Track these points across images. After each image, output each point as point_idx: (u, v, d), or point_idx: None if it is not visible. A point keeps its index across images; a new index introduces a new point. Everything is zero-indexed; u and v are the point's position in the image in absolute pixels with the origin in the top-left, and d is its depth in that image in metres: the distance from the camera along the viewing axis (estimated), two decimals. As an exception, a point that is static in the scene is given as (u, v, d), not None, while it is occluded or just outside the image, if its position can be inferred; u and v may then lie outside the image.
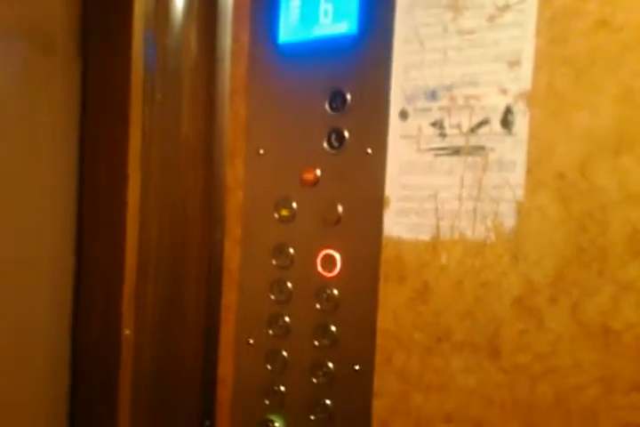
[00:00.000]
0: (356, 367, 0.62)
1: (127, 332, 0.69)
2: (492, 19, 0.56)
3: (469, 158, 0.57)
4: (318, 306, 0.65)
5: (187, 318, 0.74)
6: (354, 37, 0.64)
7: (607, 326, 0.49)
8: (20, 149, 0.70)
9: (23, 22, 0.70)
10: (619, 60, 0.49)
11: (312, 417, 0.65)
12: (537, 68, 0.53)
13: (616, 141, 0.49)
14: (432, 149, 0.59)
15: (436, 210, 0.59)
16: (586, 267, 0.50)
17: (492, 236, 0.55)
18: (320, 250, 0.65)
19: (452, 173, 0.58)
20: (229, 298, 0.72)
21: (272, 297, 0.68)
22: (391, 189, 0.61)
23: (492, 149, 0.56)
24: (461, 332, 0.56)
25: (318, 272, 0.65)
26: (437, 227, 0.58)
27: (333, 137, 0.65)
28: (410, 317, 0.59)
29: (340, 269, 0.64)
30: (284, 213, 0.68)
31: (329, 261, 0.64)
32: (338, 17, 0.65)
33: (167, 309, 0.73)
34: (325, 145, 0.65)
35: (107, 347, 0.70)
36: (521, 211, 0.54)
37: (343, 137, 0.64)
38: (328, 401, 0.64)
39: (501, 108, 0.55)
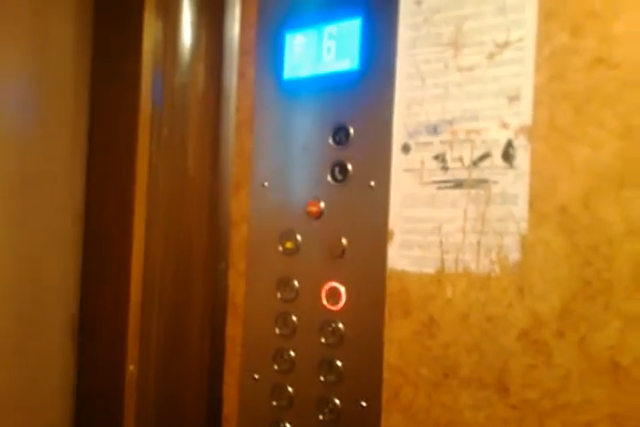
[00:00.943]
0: (363, 404, 0.61)
1: (131, 368, 0.69)
2: (491, 56, 0.57)
3: (472, 191, 0.57)
4: (323, 340, 0.65)
5: (191, 353, 0.74)
6: (356, 74, 0.65)
7: (615, 361, 0.48)
8: (28, 183, 0.71)
9: (35, 58, 0.72)
10: (617, 96, 0.50)
11: (318, 455, 0.64)
12: (537, 104, 0.54)
13: (618, 175, 0.50)
14: (435, 182, 0.60)
15: (440, 243, 0.59)
16: (592, 300, 0.50)
17: (497, 269, 0.55)
18: (325, 283, 0.65)
19: (455, 205, 0.58)
20: (234, 332, 0.72)
21: (277, 331, 0.68)
22: (395, 221, 0.61)
23: (495, 183, 0.56)
24: (469, 367, 0.55)
25: (323, 305, 0.65)
26: (442, 260, 0.58)
27: (337, 170, 0.66)
28: (416, 351, 0.58)
29: (345, 303, 0.63)
30: (289, 245, 0.68)
31: (334, 294, 0.64)
32: (340, 54, 0.67)
33: (171, 344, 0.73)
34: (329, 178, 0.66)
35: (111, 383, 0.70)
36: (525, 244, 0.54)
37: (347, 170, 0.65)
38: (334, 438, 0.63)
39: (502, 142, 0.56)
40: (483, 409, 0.54)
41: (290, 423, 0.66)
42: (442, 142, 0.60)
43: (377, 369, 0.60)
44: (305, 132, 0.69)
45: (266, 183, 0.71)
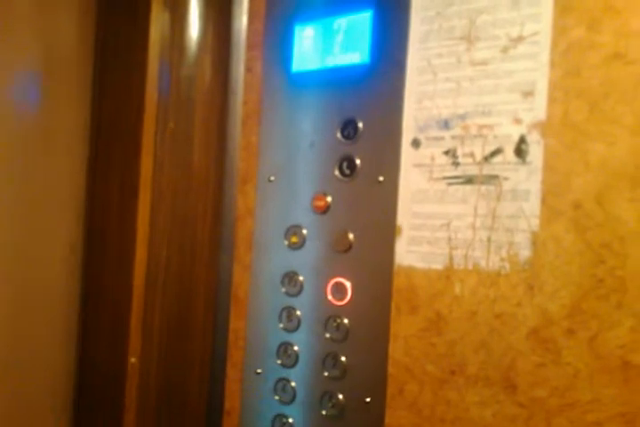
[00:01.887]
0: (367, 399, 0.61)
1: (133, 360, 0.68)
2: (505, 50, 0.56)
3: (483, 187, 0.57)
4: (328, 335, 0.64)
5: (194, 347, 0.73)
6: (366, 67, 0.65)
7: (626, 360, 0.48)
8: (33, 173, 0.71)
9: (39, 51, 0.72)
10: (633, 93, 0.49)
11: (320, 451, 0.63)
12: (551, 99, 0.53)
13: (633, 172, 0.49)
14: (445, 178, 0.59)
15: (449, 239, 0.58)
16: (604, 299, 0.49)
17: (507, 266, 0.54)
18: (330, 278, 0.64)
19: (465, 201, 0.57)
20: (238, 326, 0.71)
21: (281, 325, 0.67)
22: (403, 217, 0.61)
23: (506, 179, 0.55)
24: (476, 364, 0.55)
25: (328, 300, 0.64)
26: (450, 256, 0.58)
27: (345, 165, 0.65)
28: (422, 348, 0.58)
29: (351, 298, 0.63)
30: (295, 240, 0.67)
31: (339, 290, 0.64)
32: (350, 47, 0.66)
33: (174, 337, 0.72)
34: (337, 172, 0.65)
35: (112, 375, 0.69)
36: (536, 241, 0.53)
37: (355, 165, 0.64)
38: (337, 435, 0.62)
39: (515, 138, 0.55)
40: (489, 407, 0.54)
41: (292, 418, 0.66)
42: (453, 137, 0.59)
43: (382, 365, 0.60)
44: (313, 126, 0.68)
45: (272, 177, 0.70)
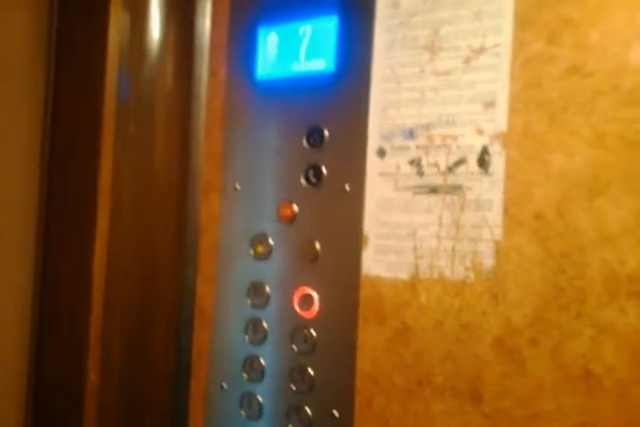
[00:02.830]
0: (335, 413, 0.60)
1: (92, 376, 0.66)
2: (467, 61, 0.57)
3: (447, 197, 0.57)
4: (295, 347, 0.63)
5: (156, 361, 0.71)
6: (331, 74, 0.64)
7: (588, 369, 0.49)
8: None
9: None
10: (591, 105, 0.50)
11: (288, 465, 0.62)
12: (512, 111, 0.54)
13: (591, 183, 0.50)
14: (410, 187, 0.59)
15: (415, 248, 0.58)
16: (565, 308, 0.50)
17: (472, 275, 0.55)
18: (297, 288, 0.63)
19: (430, 211, 0.58)
20: (202, 339, 0.69)
21: (247, 338, 0.66)
22: (370, 226, 0.61)
23: (470, 189, 0.56)
24: (442, 375, 0.55)
25: (295, 312, 0.63)
26: (416, 266, 0.58)
27: (311, 173, 0.64)
28: (389, 359, 0.58)
29: (319, 309, 0.62)
30: (260, 249, 0.66)
31: (306, 300, 0.63)
32: (316, 54, 0.65)
33: (135, 351, 0.70)
34: (303, 181, 0.65)
35: (70, 392, 0.66)
36: (499, 251, 0.53)
37: (321, 173, 0.64)
38: (305, 448, 0.62)
39: (478, 149, 0.56)
40: (456, 417, 0.54)
41: (259, 434, 0.65)
42: (418, 147, 0.59)
43: (349, 378, 0.59)
44: (278, 133, 0.67)
45: (237, 186, 0.69)
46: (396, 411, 0.57)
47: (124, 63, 0.72)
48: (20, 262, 0.71)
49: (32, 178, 0.72)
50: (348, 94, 0.63)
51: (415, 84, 0.59)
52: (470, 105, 0.56)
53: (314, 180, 0.64)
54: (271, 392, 0.64)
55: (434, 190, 0.58)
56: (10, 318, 0.69)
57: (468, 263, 0.55)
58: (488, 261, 0.54)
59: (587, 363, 0.49)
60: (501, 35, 0.55)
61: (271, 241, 0.66)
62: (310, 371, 0.62)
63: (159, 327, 0.72)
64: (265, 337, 0.65)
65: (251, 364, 0.65)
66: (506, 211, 0.53)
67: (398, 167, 0.60)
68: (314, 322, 0.62)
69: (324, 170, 0.64)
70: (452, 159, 0.57)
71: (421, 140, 0.59)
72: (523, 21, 0.54)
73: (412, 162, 0.59)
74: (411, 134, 0.59)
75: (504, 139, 0.54)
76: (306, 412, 0.62)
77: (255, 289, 0.66)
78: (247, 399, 0.65)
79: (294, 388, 0.63)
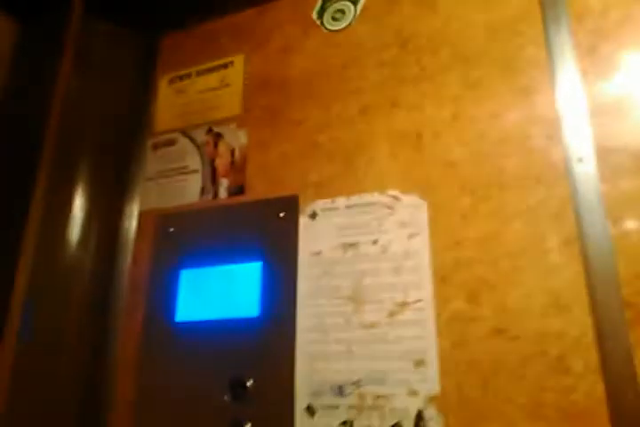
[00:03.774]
0: None
1: None
2: (392, 314, 0.55)
3: (386, 470, 0.50)
4: None
5: None
6: (255, 320, 0.61)
7: None
8: None
9: None
10: (521, 371, 0.48)
11: None
12: (443, 372, 0.51)
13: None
14: (345, 456, 0.52)
15: None
16: None
17: None
18: None
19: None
20: None
21: None
22: None
23: (410, 460, 0.49)
24: None
25: None
26: None
27: (234, 431, 0.57)
28: None
29: None
30: None
31: None
32: (239, 298, 0.63)
33: None
34: (225, 441, 0.56)
35: None
36: None
37: (245, 432, 0.56)
38: None
39: (413, 412, 0.51)
40: None
41: None
42: (349, 407, 0.54)
43: None
44: (199, 383, 0.61)
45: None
46: None
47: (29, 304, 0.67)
48: None
49: None
50: (274, 342, 0.59)
51: (342, 336, 0.57)
52: (400, 362, 0.53)
53: (238, 439, 0.56)
54: None
55: (371, 461, 0.51)
56: None
57: None
58: None
59: None
60: (422, 290, 0.55)
61: None
62: None
63: None
64: None
65: None
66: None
67: (331, 430, 0.54)
68: None
69: (248, 427, 0.56)
70: (387, 424, 0.52)
71: (352, 399, 0.54)
72: (441, 278, 0.54)
73: (344, 423, 0.53)
74: (340, 391, 0.55)
75: (438, 403, 0.50)
76: None
77: None
78: None
79: None
